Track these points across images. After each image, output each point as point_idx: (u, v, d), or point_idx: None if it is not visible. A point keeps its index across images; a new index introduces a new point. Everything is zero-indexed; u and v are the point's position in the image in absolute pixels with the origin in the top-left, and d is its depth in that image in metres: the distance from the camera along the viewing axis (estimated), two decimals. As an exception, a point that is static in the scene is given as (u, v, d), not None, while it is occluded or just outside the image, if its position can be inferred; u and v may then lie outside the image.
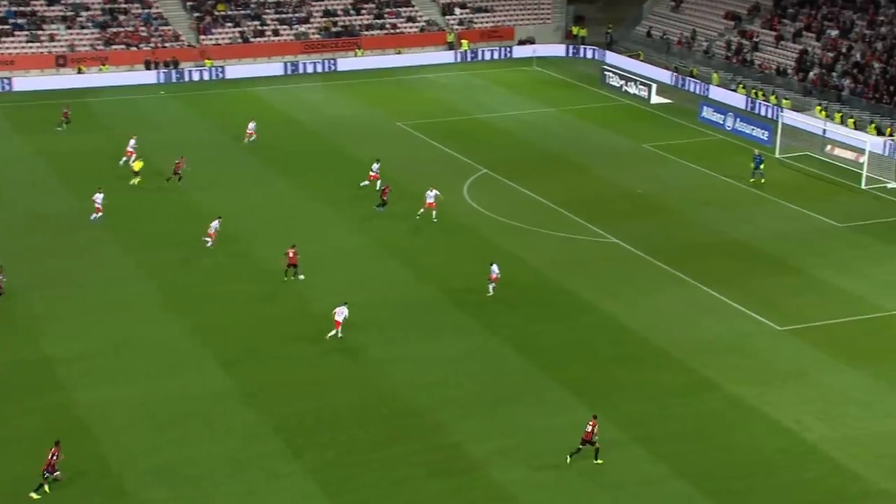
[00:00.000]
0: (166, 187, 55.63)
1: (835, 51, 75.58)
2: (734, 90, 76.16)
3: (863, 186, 58.61)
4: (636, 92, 76.78)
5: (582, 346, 40.26)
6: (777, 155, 63.19)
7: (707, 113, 70.99)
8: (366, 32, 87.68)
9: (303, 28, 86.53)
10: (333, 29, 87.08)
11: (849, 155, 62.63)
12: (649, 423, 35.01)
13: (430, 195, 51.46)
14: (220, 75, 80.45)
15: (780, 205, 55.68)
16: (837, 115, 68.31)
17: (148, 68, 79.97)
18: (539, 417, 35.60)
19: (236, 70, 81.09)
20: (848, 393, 37.44)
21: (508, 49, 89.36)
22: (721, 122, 69.51)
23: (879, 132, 65.47)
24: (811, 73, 74.60)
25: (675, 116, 72.17)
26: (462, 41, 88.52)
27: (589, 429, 33.11)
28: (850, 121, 67.31)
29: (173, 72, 79.70)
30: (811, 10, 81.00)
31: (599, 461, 33.14)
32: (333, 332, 40.23)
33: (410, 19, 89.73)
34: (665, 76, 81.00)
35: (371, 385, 37.46)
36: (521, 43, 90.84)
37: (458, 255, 48.29)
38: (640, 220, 53.16)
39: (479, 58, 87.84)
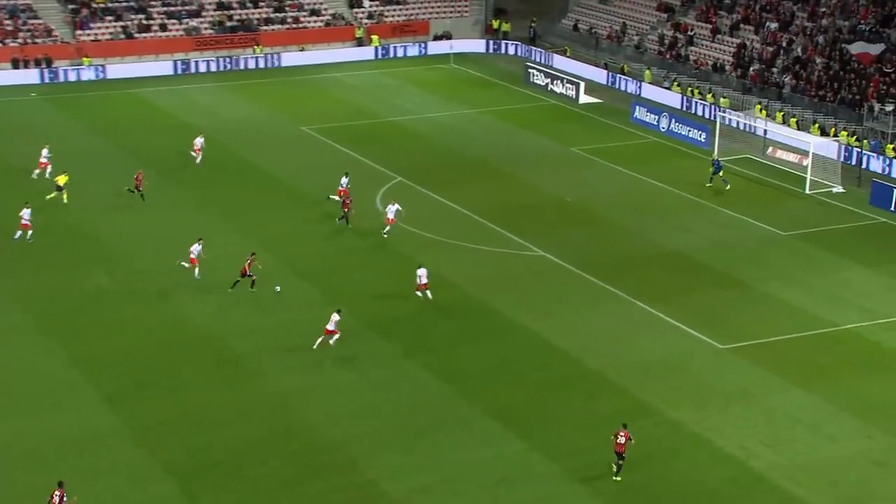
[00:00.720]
0: (65, 205, 54.42)
1: (775, 45, 77.18)
2: (668, 88, 77.33)
3: (807, 191, 59.86)
4: (563, 91, 77.50)
5: (510, 371, 40.40)
6: (715, 158, 64.13)
7: (640, 113, 71.95)
8: (265, 27, 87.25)
9: (194, 22, 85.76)
10: (228, 23, 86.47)
11: (791, 157, 63.94)
12: (584, 453, 35.23)
13: (392, 210, 51.38)
14: (101, 75, 79.35)
15: (720, 212, 56.60)
16: (779, 115, 69.69)
17: (16, 67, 78.53)
18: (464, 450, 35.61)
19: (119, 69, 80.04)
20: (796, 416, 38.12)
21: (423, 45, 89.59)
22: (655, 123, 70.51)
23: (823, 132, 66.89)
24: (750, 69, 76.07)
25: (605, 117, 73.00)
26: (372, 36, 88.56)
27: (622, 440, 33.75)
28: (793, 120, 68.72)
29: (46, 71, 78.41)
30: (749, 0, 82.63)
31: (618, 478, 33.74)
32: (322, 338, 40.61)
33: (314, 12, 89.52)
34: (594, 73, 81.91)
35: (276, 418, 37.13)
36: (437, 38, 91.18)
37: (372, 272, 48.18)
38: (569, 231, 53.59)
39: (392, 55, 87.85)
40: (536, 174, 61.57)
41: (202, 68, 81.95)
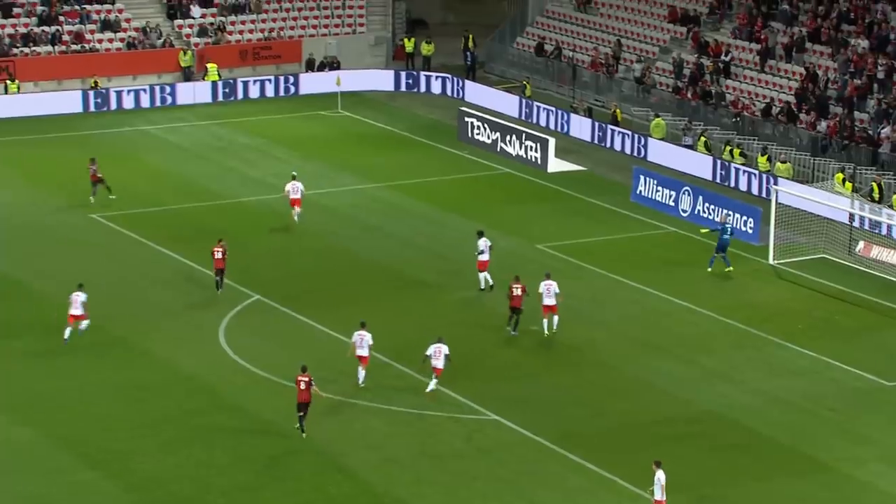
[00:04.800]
0: None
1: (861, 74, 78.16)
2: (692, 147, 78.00)
3: (926, 313, 60.60)
4: (521, 152, 77.85)
5: None
6: (771, 260, 64.65)
7: (646, 187, 72.49)
8: (22, 50, 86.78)
9: None
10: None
11: (897, 258, 64.68)
12: None
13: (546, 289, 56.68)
14: None
15: (783, 347, 56.80)
16: (874, 188, 70.22)
17: None
18: None
19: None
20: None
21: (293, 79, 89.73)
22: (671, 204, 70.99)
23: (953, 216, 67.36)
24: (827, 117, 76.89)
25: (590, 194, 73.43)
26: (208, 65, 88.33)
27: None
28: (896, 198, 69.53)
29: None
30: (820, 5, 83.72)
31: None
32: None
33: (108, 26, 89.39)
34: (572, 124, 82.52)
35: None
36: (316, 67, 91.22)
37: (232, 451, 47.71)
38: (535, 380, 53.42)
39: (240, 95, 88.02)
40: (478, 288, 61.49)
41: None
